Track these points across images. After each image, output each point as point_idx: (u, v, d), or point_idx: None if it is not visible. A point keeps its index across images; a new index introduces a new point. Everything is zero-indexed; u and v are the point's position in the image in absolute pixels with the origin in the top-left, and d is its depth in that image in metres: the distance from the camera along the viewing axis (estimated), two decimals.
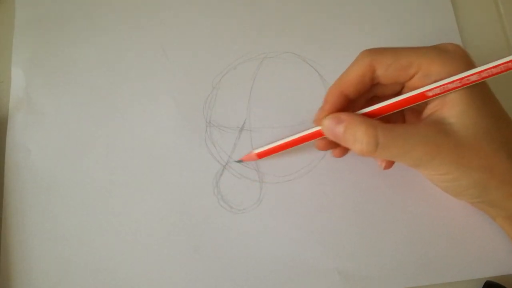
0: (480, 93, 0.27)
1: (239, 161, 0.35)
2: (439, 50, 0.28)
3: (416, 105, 0.29)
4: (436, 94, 0.27)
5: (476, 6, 0.40)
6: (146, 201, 0.35)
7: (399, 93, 0.30)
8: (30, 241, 0.34)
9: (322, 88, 0.37)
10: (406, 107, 0.28)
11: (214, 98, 0.37)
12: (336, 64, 0.37)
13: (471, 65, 0.27)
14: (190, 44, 0.38)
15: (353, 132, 0.28)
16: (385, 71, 0.29)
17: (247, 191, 0.35)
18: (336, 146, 0.33)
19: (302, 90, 0.37)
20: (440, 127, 0.27)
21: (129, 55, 0.38)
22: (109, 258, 0.34)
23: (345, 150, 0.33)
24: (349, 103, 0.31)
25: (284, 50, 0.38)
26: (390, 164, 0.32)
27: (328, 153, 0.36)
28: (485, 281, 0.33)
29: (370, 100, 0.32)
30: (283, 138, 0.33)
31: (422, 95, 0.27)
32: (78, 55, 0.38)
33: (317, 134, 0.31)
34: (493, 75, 0.26)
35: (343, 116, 0.28)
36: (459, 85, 0.26)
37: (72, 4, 0.40)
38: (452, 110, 0.27)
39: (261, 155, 0.34)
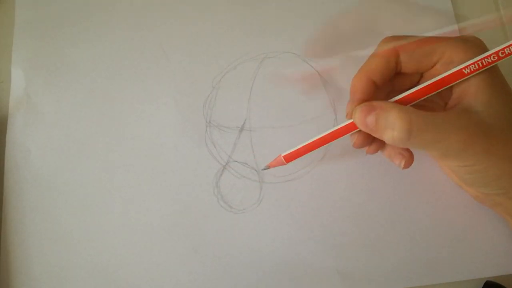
0: (499, 82, 0.28)
1: (266, 168, 0.33)
2: (460, 39, 0.28)
3: (440, 98, 0.28)
4: (471, 72, 0.27)
5: (476, 6, 0.40)
6: (146, 201, 0.35)
7: (418, 84, 0.29)
8: (30, 240, 0.34)
9: (322, 88, 0.37)
10: (441, 89, 0.27)
11: (214, 98, 0.37)
12: (335, 64, 0.37)
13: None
14: (190, 44, 0.38)
15: (385, 117, 0.26)
16: (409, 57, 0.28)
17: (247, 191, 0.35)
18: (371, 142, 0.31)
19: (301, 90, 0.37)
20: (471, 116, 0.27)
21: (129, 55, 0.38)
22: (109, 258, 0.34)
23: (379, 145, 0.31)
24: (376, 93, 0.29)
25: (284, 50, 0.38)
26: (410, 159, 0.30)
27: (328, 153, 0.36)
28: (485, 281, 0.33)
29: (389, 94, 0.31)
30: (310, 138, 0.30)
31: (460, 73, 0.27)
32: (78, 55, 0.38)
33: (350, 128, 0.29)
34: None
35: (375, 103, 0.27)
36: (496, 59, 0.27)
37: (72, 4, 0.40)
38: (477, 99, 0.27)
39: (289, 159, 0.31)
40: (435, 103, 0.31)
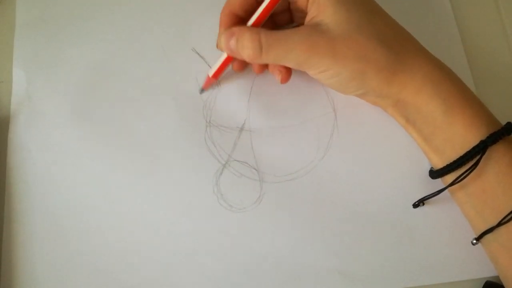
0: None
1: (202, 91, 0.37)
2: None
3: (301, 17, 0.33)
4: None
5: (476, 6, 0.40)
6: (146, 201, 0.35)
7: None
8: (31, 240, 0.34)
9: (322, 88, 0.37)
10: (272, 9, 0.32)
11: (214, 98, 0.37)
12: None
13: None
14: (190, 44, 0.39)
15: (241, 40, 0.31)
16: None
17: (247, 190, 0.35)
18: (247, 64, 0.35)
19: (301, 90, 0.37)
20: (316, 28, 0.30)
21: (129, 55, 0.38)
22: (109, 257, 0.34)
23: (260, 65, 0.35)
24: (242, 23, 0.33)
25: None
26: (286, 75, 0.34)
27: (328, 153, 0.36)
28: (485, 281, 0.33)
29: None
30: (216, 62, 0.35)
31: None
32: (79, 55, 0.39)
33: (228, 59, 0.34)
34: None
35: (234, 29, 0.32)
36: None
37: (72, 4, 0.40)
38: (325, 13, 0.30)
39: (215, 75, 0.35)
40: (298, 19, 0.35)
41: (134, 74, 0.38)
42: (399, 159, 0.36)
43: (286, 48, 0.30)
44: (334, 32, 0.30)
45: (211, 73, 0.35)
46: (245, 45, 0.31)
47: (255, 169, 0.36)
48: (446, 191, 0.32)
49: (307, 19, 0.32)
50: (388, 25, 0.32)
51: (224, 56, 0.34)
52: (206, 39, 0.38)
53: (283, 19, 0.36)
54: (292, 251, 0.34)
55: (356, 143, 0.36)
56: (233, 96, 0.37)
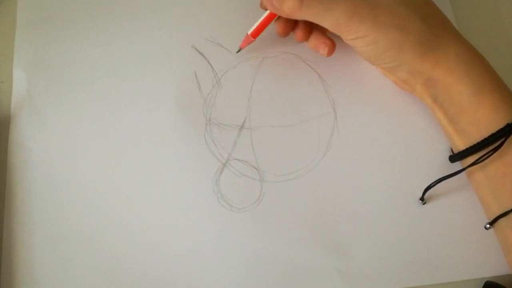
0: None
1: (239, 50, 0.37)
2: None
3: None
4: None
5: (476, 6, 0.40)
6: (146, 200, 0.35)
7: None
8: (32, 240, 0.34)
9: (322, 88, 0.37)
10: None
11: (214, 96, 0.37)
12: (335, 64, 0.38)
13: None
14: (190, 43, 0.39)
15: None
16: None
17: (247, 190, 0.35)
18: (292, 28, 0.35)
19: (301, 90, 0.37)
20: None
21: (129, 55, 0.39)
22: (110, 257, 0.34)
23: (303, 33, 0.35)
24: None
25: (284, 50, 0.38)
26: (331, 48, 0.34)
27: (328, 153, 0.36)
28: (485, 281, 0.33)
29: None
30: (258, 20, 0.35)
31: None
32: (79, 55, 0.39)
33: (271, 16, 0.34)
34: None
35: None
36: None
37: (73, 5, 0.40)
38: None
39: (254, 34, 0.36)
40: None
41: (134, 73, 0.38)
42: (399, 159, 0.36)
43: (328, 6, 0.30)
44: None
45: (250, 31, 0.35)
46: None
47: (255, 168, 0.36)
48: (462, 174, 0.33)
49: None
50: (428, 3, 0.33)
51: (265, 14, 0.34)
52: (205, 36, 0.38)
53: None
54: (292, 251, 0.34)
55: (356, 143, 0.36)
56: (233, 94, 0.37)
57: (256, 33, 0.35)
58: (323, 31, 0.35)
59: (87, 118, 0.37)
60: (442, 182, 0.33)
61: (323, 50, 0.35)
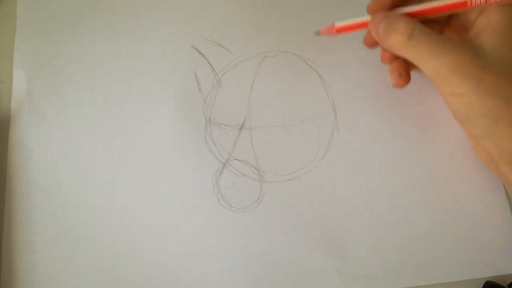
0: None
1: (318, 33, 0.34)
2: None
3: (462, 25, 0.31)
4: (476, 5, 0.29)
5: None
6: (146, 200, 0.35)
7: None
8: (32, 240, 0.34)
9: (322, 88, 0.37)
10: (446, 12, 0.30)
11: (214, 96, 0.37)
12: (335, 64, 0.38)
13: None
14: (190, 43, 0.39)
15: (393, 24, 0.29)
16: None
17: (247, 189, 0.35)
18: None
19: (301, 90, 0.37)
20: (473, 49, 0.28)
21: (130, 55, 0.38)
22: (110, 257, 0.34)
23: (390, 54, 0.33)
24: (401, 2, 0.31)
25: (284, 50, 0.38)
26: (404, 81, 0.32)
27: (328, 153, 0.36)
28: (485, 281, 0.33)
29: None
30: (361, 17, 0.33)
31: (463, 3, 0.29)
32: (80, 55, 0.39)
33: (364, 24, 0.32)
34: None
35: (391, 13, 0.30)
36: None
37: (73, 4, 0.40)
38: (491, 39, 0.28)
39: (340, 30, 0.33)
40: (459, 32, 0.33)
41: (134, 73, 0.38)
42: (398, 159, 0.36)
43: (435, 51, 0.28)
44: (489, 61, 0.28)
45: (338, 25, 0.33)
46: (397, 28, 0.29)
47: (255, 168, 0.36)
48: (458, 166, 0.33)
49: (470, 34, 0.30)
50: None
51: (363, 19, 0.32)
52: (205, 36, 0.38)
53: (439, 20, 0.33)
54: (292, 251, 0.34)
55: (356, 143, 0.36)
56: (233, 94, 0.37)
57: (342, 30, 0.33)
58: (408, 61, 0.31)
59: (87, 118, 0.37)
60: (441, 180, 0.33)
61: (396, 80, 0.32)
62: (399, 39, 0.29)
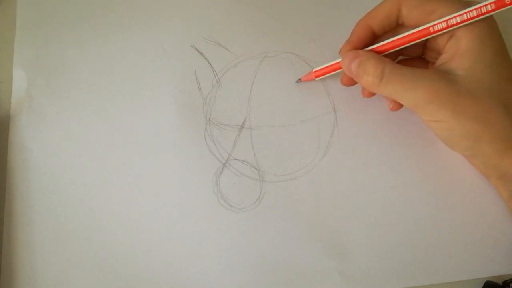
0: (493, 49, 0.29)
1: (298, 81, 0.37)
2: (463, 2, 0.29)
3: (434, 55, 0.32)
4: (439, 30, 0.29)
5: None
6: (146, 200, 0.35)
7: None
8: (32, 240, 0.34)
9: (322, 87, 0.37)
10: (412, 43, 0.30)
11: (214, 96, 0.37)
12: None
13: (491, 18, 0.29)
14: (190, 43, 0.39)
15: (364, 64, 0.30)
16: (410, 13, 0.30)
17: (247, 189, 0.35)
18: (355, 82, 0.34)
19: (301, 90, 0.37)
20: (445, 75, 0.29)
21: (130, 55, 0.38)
22: (110, 257, 0.34)
23: (352, 79, 0.34)
24: (374, 39, 0.32)
25: (284, 50, 0.38)
26: (397, 105, 0.33)
27: (328, 153, 0.36)
28: (485, 281, 0.33)
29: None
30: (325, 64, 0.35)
31: (426, 30, 0.30)
32: (80, 55, 0.39)
33: (337, 68, 0.34)
34: (491, 11, 0.28)
35: (361, 52, 0.31)
36: (459, 21, 0.28)
37: (73, 4, 0.40)
38: (462, 63, 0.29)
39: (318, 75, 0.35)
40: (425, 62, 0.34)
41: (133, 73, 0.38)
42: (399, 159, 0.36)
43: (408, 86, 0.29)
44: (462, 86, 0.28)
45: (315, 69, 0.35)
46: (367, 71, 0.30)
47: (255, 168, 0.36)
48: (454, 161, 0.34)
49: (440, 60, 0.30)
50: None
51: (335, 62, 0.34)
52: (205, 36, 0.38)
53: (410, 51, 0.34)
54: (292, 251, 0.34)
55: (356, 143, 0.36)
56: (233, 94, 0.37)
57: (319, 75, 0.35)
58: None
59: (87, 118, 0.37)
60: (442, 180, 0.33)
61: (391, 105, 0.33)
62: (372, 80, 0.30)
